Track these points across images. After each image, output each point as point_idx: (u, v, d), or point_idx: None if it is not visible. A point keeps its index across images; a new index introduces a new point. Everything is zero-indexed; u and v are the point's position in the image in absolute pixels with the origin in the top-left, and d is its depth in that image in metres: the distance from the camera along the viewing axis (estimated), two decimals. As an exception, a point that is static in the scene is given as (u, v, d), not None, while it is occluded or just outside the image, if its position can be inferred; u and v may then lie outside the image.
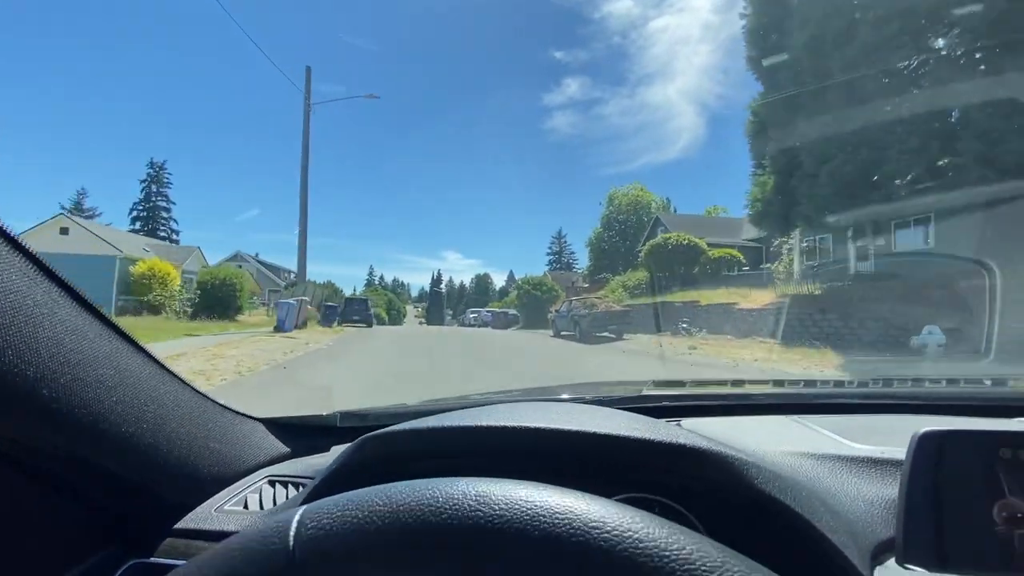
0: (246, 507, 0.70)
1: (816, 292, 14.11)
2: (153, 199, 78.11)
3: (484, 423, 0.54)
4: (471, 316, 45.40)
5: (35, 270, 0.48)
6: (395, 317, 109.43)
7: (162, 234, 65.76)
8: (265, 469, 0.79)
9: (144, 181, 77.53)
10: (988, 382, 1.08)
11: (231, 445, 0.74)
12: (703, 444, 0.50)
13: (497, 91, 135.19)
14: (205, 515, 0.66)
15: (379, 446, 0.56)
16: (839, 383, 1.27)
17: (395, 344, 15.59)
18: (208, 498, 0.68)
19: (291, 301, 18.02)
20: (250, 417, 0.83)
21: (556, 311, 20.23)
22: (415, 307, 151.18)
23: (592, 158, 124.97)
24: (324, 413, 0.97)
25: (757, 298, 15.49)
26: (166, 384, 0.63)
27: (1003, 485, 0.48)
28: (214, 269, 20.68)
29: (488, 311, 40.90)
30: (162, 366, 0.64)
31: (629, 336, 15.97)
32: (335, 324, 23.04)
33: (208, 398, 0.72)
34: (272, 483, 0.75)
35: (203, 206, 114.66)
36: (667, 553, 0.30)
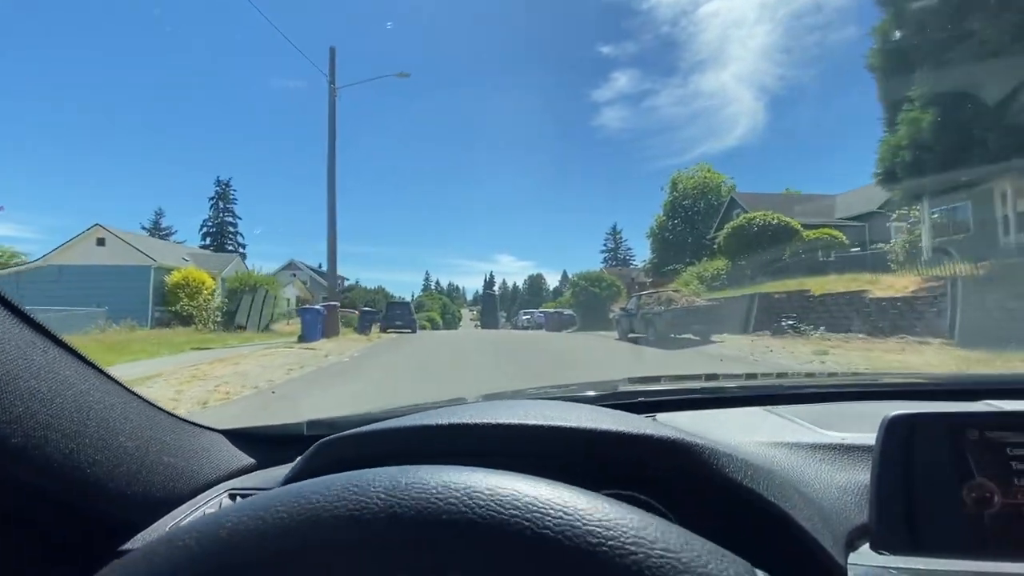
0: None
1: (979, 272, 10.20)
2: (221, 215, 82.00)
3: (445, 421, 0.52)
4: (524, 318, 42.71)
5: None
6: (450, 321, 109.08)
7: (229, 248, 67.85)
8: (227, 482, 0.74)
9: (212, 198, 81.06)
10: (951, 369, 1.28)
11: (188, 459, 0.69)
12: (672, 434, 0.49)
13: (544, 91, 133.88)
14: (159, 533, 0.61)
15: (334, 452, 0.54)
16: (810, 374, 1.51)
17: (431, 355, 13.08)
18: (163, 515, 0.64)
19: (317, 307, 15.98)
20: (210, 429, 0.80)
21: (621, 309, 17.03)
22: (470, 310, 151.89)
23: (644, 151, 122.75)
24: (290, 423, 0.96)
25: (893, 284, 11.72)
26: (112, 396, 0.60)
27: (971, 466, 0.48)
28: (243, 276, 19.08)
29: (541, 312, 37.97)
30: (108, 377, 0.60)
31: (718, 337, 12.65)
32: (373, 331, 21.02)
33: (161, 410, 0.69)
34: (233, 496, 0.71)
35: (267, 218, 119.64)
36: (641, 540, 0.28)
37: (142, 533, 0.60)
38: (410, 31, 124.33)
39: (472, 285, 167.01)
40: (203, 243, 72.11)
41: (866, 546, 0.52)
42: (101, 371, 0.59)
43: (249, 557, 0.30)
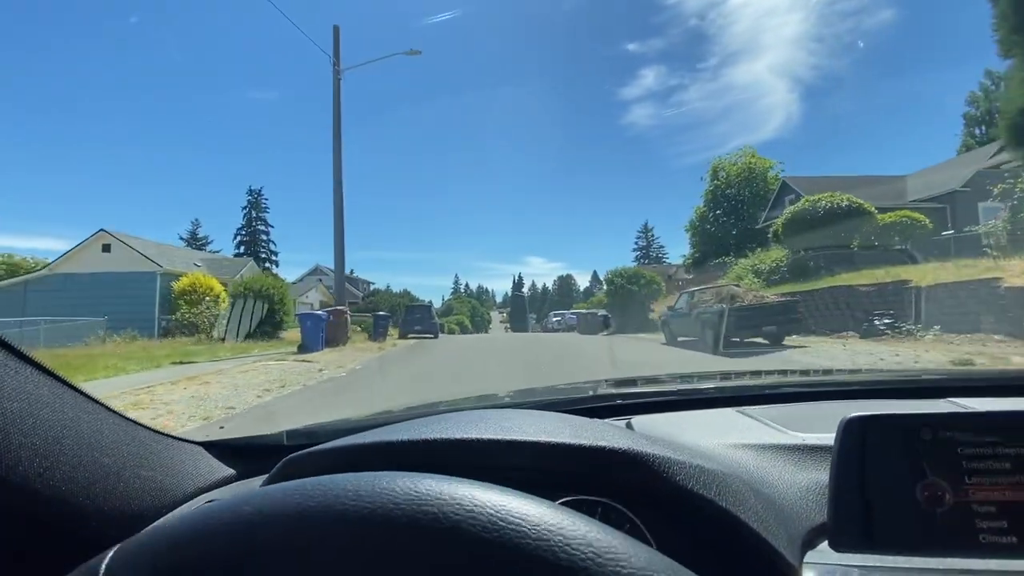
0: None
1: None
2: (253, 224, 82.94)
3: (407, 437, 0.53)
4: (554, 320, 40.48)
5: None
6: (479, 324, 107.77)
7: (262, 255, 68.37)
8: (206, 495, 0.74)
9: (245, 208, 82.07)
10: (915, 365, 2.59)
11: (166, 472, 0.68)
12: (622, 445, 0.51)
13: (570, 91, 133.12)
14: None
15: (300, 469, 0.54)
16: (783, 372, 1.36)
17: (447, 366, 11.07)
18: (141, 529, 0.61)
19: (320, 312, 14.21)
20: (188, 441, 0.79)
21: (669, 309, 14.63)
22: (499, 312, 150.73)
23: (674, 148, 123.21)
24: (269, 432, 0.95)
25: (1031, 269, 9.04)
26: (87, 412, 0.59)
27: (924, 466, 0.50)
28: (248, 280, 17.57)
29: (572, 313, 35.69)
30: (82, 393, 0.60)
31: (796, 340, 10.21)
32: (390, 337, 19.24)
33: (138, 424, 0.68)
34: None
35: (298, 225, 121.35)
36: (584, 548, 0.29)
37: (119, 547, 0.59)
38: (436, 32, 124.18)
39: (501, 288, 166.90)
40: (237, 252, 73.05)
41: (824, 544, 0.54)
42: (75, 388, 0.58)
43: (194, 561, 0.32)
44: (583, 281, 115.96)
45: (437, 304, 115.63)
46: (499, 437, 0.52)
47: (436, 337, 22.18)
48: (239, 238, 76.85)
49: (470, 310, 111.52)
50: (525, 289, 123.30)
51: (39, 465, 0.50)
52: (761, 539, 0.49)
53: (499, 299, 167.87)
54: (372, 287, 47.21)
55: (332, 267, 49.87)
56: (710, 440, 0.70)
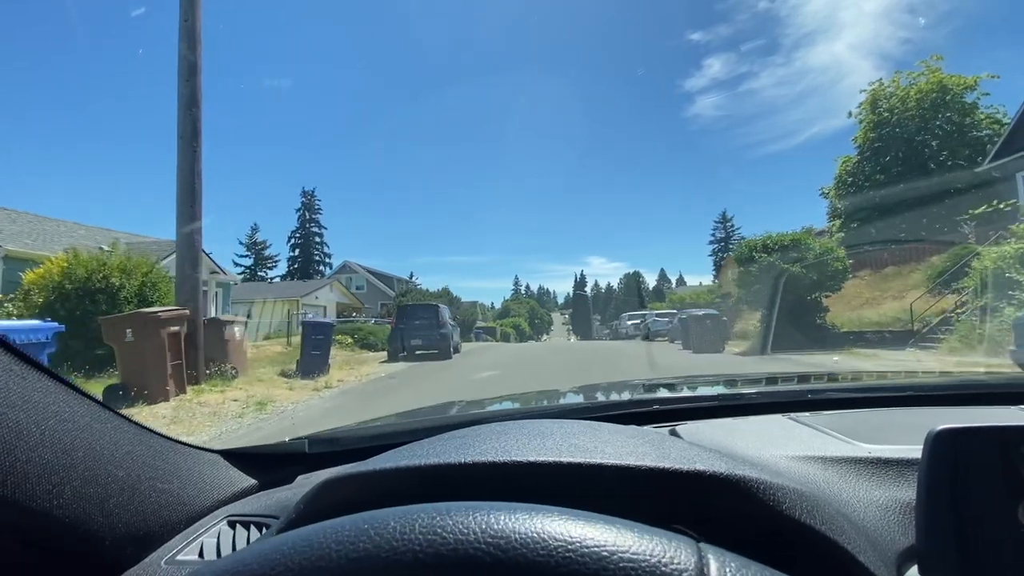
0: (201, 555, 0.60)
1: None
2: (307, 226, 79.49)
3: (468, 459, 0.47)
4: (628, 324, 30.74)
5: None
6: (539, 327, 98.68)
7: (316, 258, 63.79)
8: (226, 507, 0.69)
9: (299, 209, 78.73)
10: (981, 371, 1.75)
11: (184, 484, 0.65)
12: (722, 469, 0.45)
13: (631, 85, 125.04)
14: (154, 568, 0.56)
15: (341, 491, 0.47)
16: (832, 376, 1.26)
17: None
18: (160, 546, 0.59)
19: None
20: (206, 450, 0.74)
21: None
22: (561, 314, 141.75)
23: (744, 139, 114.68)
24: (288, 440, 0.88)
25: None
26: (99, 421, 0.55)
27: None
28: (90, 260, 9.39)
29: (665, 315, 25.45)
30: (94, 401, 0.56)
31: None
32: (369, 362, 10.76)
33: (154, 432, 0.64)
34: (232, 524, 0.65)
35: (352, 227, 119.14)
36: None
37: (136, 567, 0.55)
38: (500, 27, 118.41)
39: (563, 289, 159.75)
40: (291, 254, 69.61)
41: (914, 569, 0.48)
42: (85, 394, 0.55)
43: None
44: (651, 279, 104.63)
45: (494, 305, 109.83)
46: (580, 460, 0.45)
47: (449, 357, 13.38)
48: (292, 240, 73.32)
49: (528, 312, 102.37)
50: (587, 289, 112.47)
51: (48, 482, 0.46)
52: (863, 567, 0.43)
53: (560, 300, 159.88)
54: (407, 283, 39.53)
55: (363, 265, 42.35)
56: (770, 451, 0.64)
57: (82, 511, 0.49)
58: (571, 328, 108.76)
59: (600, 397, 1.11)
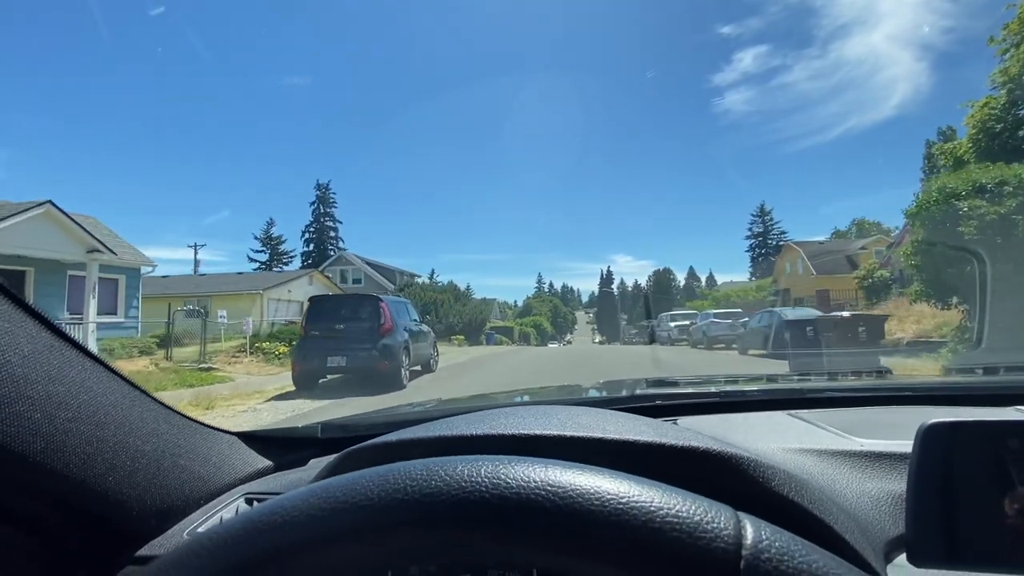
0: None
1: None
2: (321, 220, 75.97)
3: (483, 431, 0.49)
4: (672, 326, 24.75)
5: None
6: (562, 326, 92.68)
7: (331, 253, 59.67)
8: (243, 486, 0.71)
9: (313, 203, 75.50)
10: (980, 371, 1.21)
11: (204, 462, 0.67)
12: (715, 446, 0.47)
13: (659, 80, 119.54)
14: (176, 539, 0.58)
15: (362, 461, 0.50)
16: (833, 376, 1.30)
17: None
18: (180, 519, 0.61)
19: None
20: (225, 431, 0.76)
21: None
22: (586, 313, 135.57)
23: (776, 134, 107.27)
24: (303, 425, 0.92)
25: None
26: (127, 398, 0.58)
27: (1012, 477, 0.46)
28: None
29: (727, 315, 19.19)
30: (123, 378, 0.58)
31: None
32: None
33: (176, 412, 0.66)
34: (249, 501, 0.67)
35: (374, 226, 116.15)
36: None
37: (158, 539, 0.57)
38: (524, 23, 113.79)
39: (587, 287, 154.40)
40: (305, 249, 66.09)
41: (902, 557, 0.49)
42: (116, 373, 0.57)
43: (277, 545, 0.29)
44: (679, 278, 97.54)
45: (516, 303, 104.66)
46: (584, 434, 0.47)
47: (400, 386, 7.84)
48: (306, 235, 69.71)
49: (551, 310, 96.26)
50: (613, 287, 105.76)
51: (83, 451, 0.48)
52: (854, 551, 0.45)
53: (585, 299, 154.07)
54: (412, 276, 34.27)
55: (362, 256, 37.17)
56: (767, 443, 0.65)
57: (112, 482, 0.51)
58: (596, 328, 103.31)
59: (604, 392, 1.14)
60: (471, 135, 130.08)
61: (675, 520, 0.27)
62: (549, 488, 0.28)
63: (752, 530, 0.27)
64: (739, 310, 19.33)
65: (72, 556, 0.51)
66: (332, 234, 75.48)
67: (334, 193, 75.48)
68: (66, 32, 70.13)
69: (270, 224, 67.16)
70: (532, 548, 0.28)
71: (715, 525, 0.27)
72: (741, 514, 0.29)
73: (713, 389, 1.00)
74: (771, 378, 1.25)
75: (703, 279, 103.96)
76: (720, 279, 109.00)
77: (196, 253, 39.04)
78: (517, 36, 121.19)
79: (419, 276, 35.42)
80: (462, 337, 26.65)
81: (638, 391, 0.99)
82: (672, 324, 24.78)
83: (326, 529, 0.29)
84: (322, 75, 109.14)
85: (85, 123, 79.37)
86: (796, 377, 1.28)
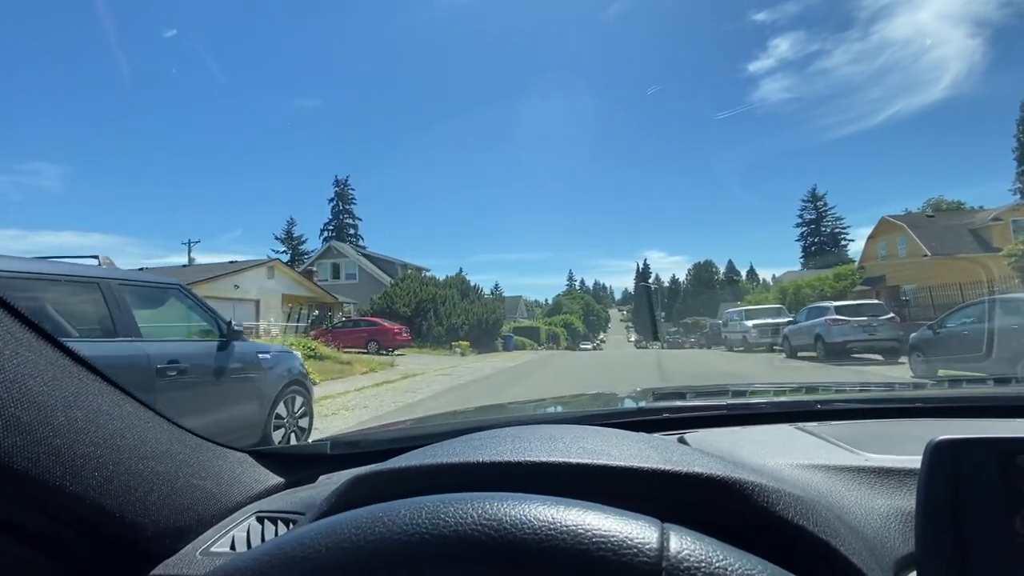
0: (233, 547, 0.62)
1: None
2: (341, 217, 71.87)
3: (483, 459, 0.49)
4: (748, 326, 17.84)
5: None
6: (594, 324, 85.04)
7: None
8: (254, 504, 0.71)
9: (332, 200, 70.94)
10: (991, 382, 1.23)
11: (216, 480, 0.67)
12: (719, 472, 0.47)
13: (690, 71, 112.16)
14: (190, 558, 0.58)
15: (368, 486, 0.49)
16: (840, 388, 1.26)
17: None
18: (193, 539, 0.61)
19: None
20: (235, 449, 0.76)
21: None
22: (619, 310, 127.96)
23: (815, 121, 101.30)
24: (311, 441, 0.97)
25: None
26: (141, 420, 0.58)
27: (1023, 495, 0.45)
28: None
29: (866, 307, 12.02)
30: (136, 399, 0.59)
31: None
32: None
33: (189, 431, 0.66)
34: (261, 519, 0.67)
35: (404, 226, 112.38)
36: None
37: (173, 558, 0.57)
38: (550, 21, 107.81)
39: (620, 284, 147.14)
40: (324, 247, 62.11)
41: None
42: (130, 394, 0.58)
43: None
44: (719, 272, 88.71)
45: (547, 301, 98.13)
46: (589, 462, 0.47)
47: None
48: (325, 233, 65.34)
49: (583, 308, 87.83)
50: (651, 280, 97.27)
51: (100, 475, 0.49)
52: (859, 572, 0.44)
53: (618, 296, 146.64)
54: (432, 272, 28.29)
55: (359, 247, 31.09)
56: (775, 460, 0.64)
57: (128, 503, 0.51)
58: (631, 326, 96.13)
59: (612, 405, 1.14)
60: (505, 136, 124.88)
61: (602, 539, 0.29)
62: (485, 523, 0.30)
63: (675, 541, 0.29)
64: (867, 302, 12.52)
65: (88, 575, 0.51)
66: (352, 231, 71.25)
67: (353, 189, 71.22)
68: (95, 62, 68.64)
69: (291, 224, 63.88)
70: None
71: (639, 540, 0.28)
72: (668, 525, 0.30)
73: (721, 402, 0.98)
74: (779, 390, 1.23)
75: (743, 273, 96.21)
76: (762, 273, 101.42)
77: (190, 251, 34.31)
78: (544, 34, 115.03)
79: (427, 270, 29.46)
80: (467, 343, 20.48)
81: (644, 404, 0.99)
82: (749, 323, 17.90)
83: None
84: (356, 87, 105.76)
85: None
86: (805, 388, 1.25)
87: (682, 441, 0.73)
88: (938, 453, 0.45)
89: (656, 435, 0.70)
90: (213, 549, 0.60)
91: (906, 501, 0.55)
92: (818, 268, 49.01)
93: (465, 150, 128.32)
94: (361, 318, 19.71)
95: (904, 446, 0.66)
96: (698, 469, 0.45)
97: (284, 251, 58.13)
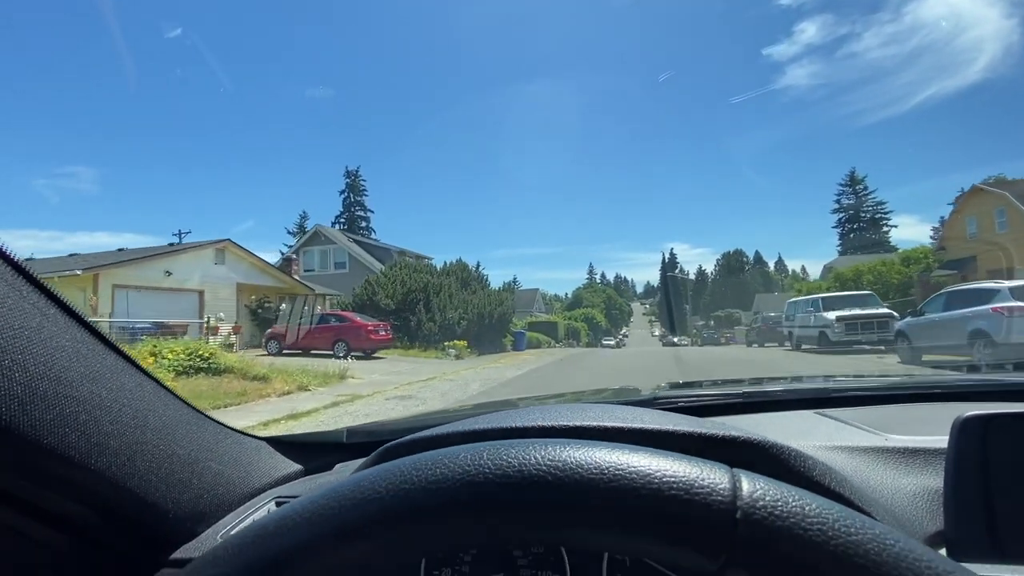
0: None
1: None
2: (352, 209, 69.18)
3: (516, 424, 0.49)
4: (831, 319, 13.32)
5: (24, 282, 0.44)
6: (616, 318, 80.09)
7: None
8: (273, 490, 0.71)
9: (342, 192, 68.04)
10: (1010, 367, 1.25)
11: (236, 466, 0.67)
12: (754, 436, 0.46)
13: (714, 58, 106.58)
14: (209, 542, 0.58)
15: (399, 455, 0.48)
16: (859, 376, 1.24)
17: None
18: (214, 523, 0.61)
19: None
20: (254, 436, 0.76)
21: None
22: (642, 304, 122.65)
23: (845, 108, 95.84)
24: (329, 430, 0.92)
25: None
26: (163, 402, 0.58)
27: None
28: None
29: None
30: (158, 382, 0.58)
31: None
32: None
33: (209, 418, 0.66)
34: (279, 504, 0.68)
35: (423, 222, 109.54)
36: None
37: (192, 542, 0.57)
38: (566, 18, 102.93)
39: (641, 278, 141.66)
40: (336, 241, 59.43)
41: (942, 554, 0.49)
42: (154, 378, 0.58)
43: (324, 529, 0.30)
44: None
45: (567, 295, 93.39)
46: (622, 424, 0.46)
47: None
48: (337, 225, 62.53)
49: (604, 302, 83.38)
50: (677, 272, 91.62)
51: (124, 454, 0.48)
52: None
53: (639, 289, 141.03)
54: (432, 260, 24.32)
55: (350, 234, 27.15)
56: (797, 441, 0.60)
57: (151, 485, 0.51)
58: (654, 320, 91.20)
59: (626, 395, 1.14)
60: (518, 126, 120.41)
61: (672, 480, 0.27)
62: (550, 463, 0.29)
63: (747, 483, 0.28)
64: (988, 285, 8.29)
65: (110, 558, 0.51)
66: (364, 224, 68.10)
67: (364, 180, 68.18)
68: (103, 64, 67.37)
69: (304, 217, 61.50)
70: (541, 524, 0.28)
71: (711, 481, 0.27)
72: (736, 470, 0.29)
73: (736, 390, 0.97)
74: (796, 378, 1.20)
75: (771, 264, 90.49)
76: (791, 264, 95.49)
77: (181, 240, 31.18)
78: (561, 23, 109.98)
79: (429, 258, 25.55)
80: (463, 344, 16.42)
81: (659, 394, 0.98)
82: (830, 316, 13.43)
83: (340, 525, 0.29)
84: (369, 77, 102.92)
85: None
86: (821, 377, 1.22)
87: None
88: (967, 428, 0.44)
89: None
90: (233, 533, 0.56)
91: (933, 480, 0.54)
92: (855, 253, 43.79)
93: (481, 143, 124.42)
94: (330, 312, 15.88)
95: (927, 427, 0.65)
96: (734, 433, 0.44)
97: (296, 244, 55.62)
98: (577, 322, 48.17)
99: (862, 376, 1.19)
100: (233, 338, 15.22)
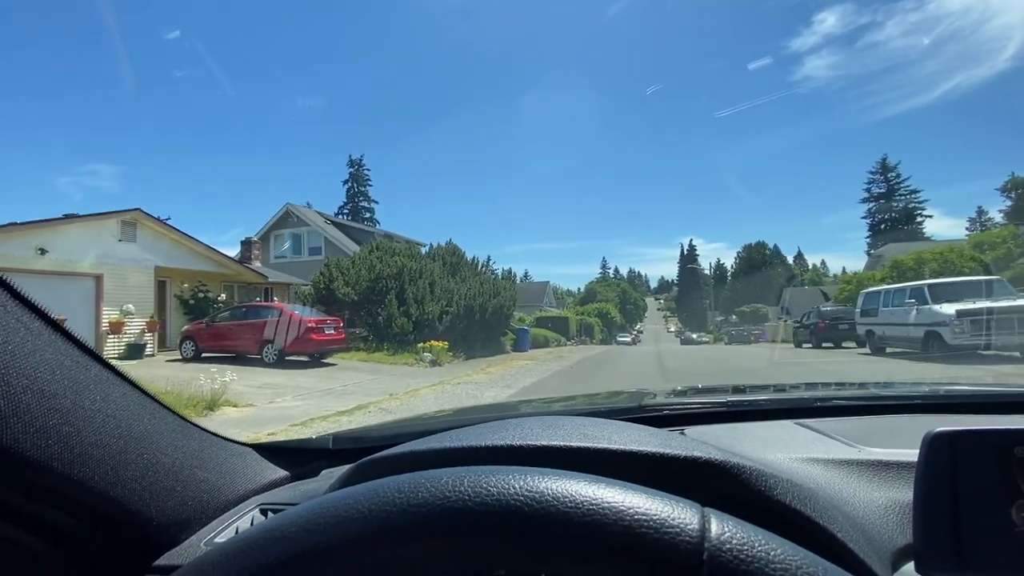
0: None
1: None
2: (355, 199, 66.22)
3: (488, 443, 0.50)
4: (951, 315, 9.37)
5: (7, 296, 0.44)
6: (631, 314, 75.76)
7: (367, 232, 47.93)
8: (257, 496, 0.71)
9: (346, 181, 64.94)
10: (989, 379, 1.31)
11: (220, 473, 0.67)
12: (718, 456, 0.47)
13: (729, 50, 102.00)
14: (193, 549, 0.58)
15: (379, 469, 0.49)
16: (840, 385, 1.25)
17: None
18: (198, 529, 0.61)
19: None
20: (239, 443, 0.76)
21: None
22: (656, 299, 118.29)
23: (866, 99, 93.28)
24: (314, 437, 0.93)
25: None
26: (147, 410, 0.58)
27: (1020, 485, 0.45)
28: None
29: None
30: (142, 391, 0.59)
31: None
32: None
33: (194, 424, 0.66)
34: (264, 511, 0.67)
35: (439, 217, 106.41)
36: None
37: (176, 549, 0.57)
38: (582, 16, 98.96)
39: (655, 273, 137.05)
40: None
41: (910, 566, 0.50)
42: (136, 385, 0.58)
43: (293, 552, 0.30)
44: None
45: (580, 290, 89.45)
46: (589, 445, 0.47)
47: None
48: (340, 216, 59.55)
49: (619, 296, 79.11)
50: (695, 265, 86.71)
51: (108, 463, 0.48)
52: (859, 560, 0.44)
53: (654, 285, 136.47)
54: (428, 247, 20.74)
55: (325, 214, 23.20)
56: (774, 453, 0.65)
57: (134, 493, 0.51)
58: (670, 314, 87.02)
59: (614, 402, 1.12)
60: (531, 121, 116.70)
61: (643, 518, 0.28)
62: (527, 494, 0.29)
63: (716, 524, 0.28)
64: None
65: (94, 566, 0.51)
66: (368, 215, 64.98)
67: (368, 169, 65.09)
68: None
69: (308, 207, 58.81)
70: (515, 554, 0.28)
71: (680, 521, 0.28)
72: (707, 510, 0.29)
73: (721, 399, 0.97)
74: (779, 387, 1.20)
75: (790, 258, 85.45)
76: (811, 259, 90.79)
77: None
78: (578, 21, 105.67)
79: (422, 244, 21.98)
80: (442, 345, 12.61)
81: (646, 401, 0.98)
82: (948, 311, 9.52)
83: (326, 540, 0.30)
84: (382, 72, 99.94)
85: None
86: (803, 386, 1.21)
87: (682, 435, 0.72)
88: (935, 445, 0.45)
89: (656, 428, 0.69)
90: (217, 540, 0.59)
91: (904, 493, 0.55)
92: (887, 243, 39.35)
93: (495, 138, 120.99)
94: (253, 304, 12.29)
95: (901, 440, 0.66)
96: (696, 453, 0.45)
97: (264, 227, 53.28)
98: (590, 317, 44.32)
99: (843, 386, 1.21)
100: (148, 337, 11.80)
